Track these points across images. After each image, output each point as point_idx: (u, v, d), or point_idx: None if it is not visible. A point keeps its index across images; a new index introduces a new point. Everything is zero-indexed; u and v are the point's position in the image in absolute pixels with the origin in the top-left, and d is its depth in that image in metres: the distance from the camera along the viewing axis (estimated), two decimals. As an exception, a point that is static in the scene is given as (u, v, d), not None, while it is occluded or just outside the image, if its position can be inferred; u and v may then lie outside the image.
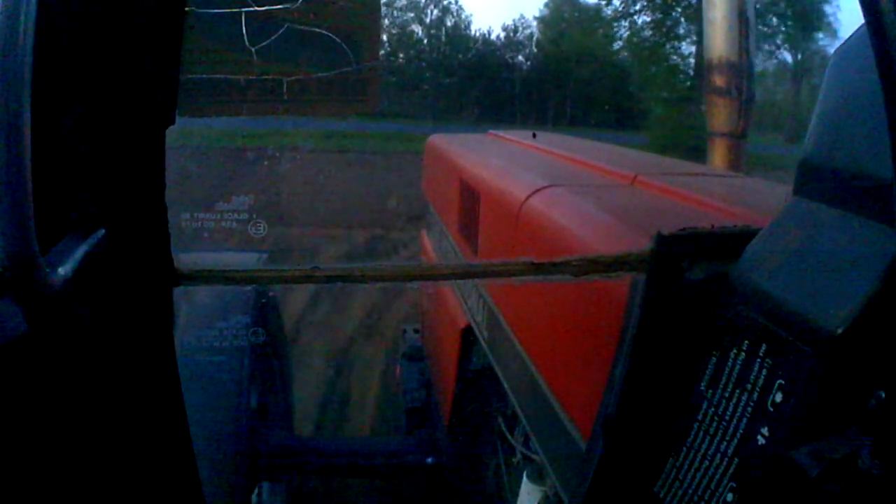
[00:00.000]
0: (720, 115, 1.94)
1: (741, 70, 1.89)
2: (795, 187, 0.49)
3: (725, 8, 1.86)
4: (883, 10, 0.33)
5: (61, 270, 0.39)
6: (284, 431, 1.69)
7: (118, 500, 0.50)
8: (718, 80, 1.92)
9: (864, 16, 0.34)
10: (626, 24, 10.25)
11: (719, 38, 1.89)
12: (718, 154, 1.96)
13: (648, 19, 10.21)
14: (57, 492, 0.44)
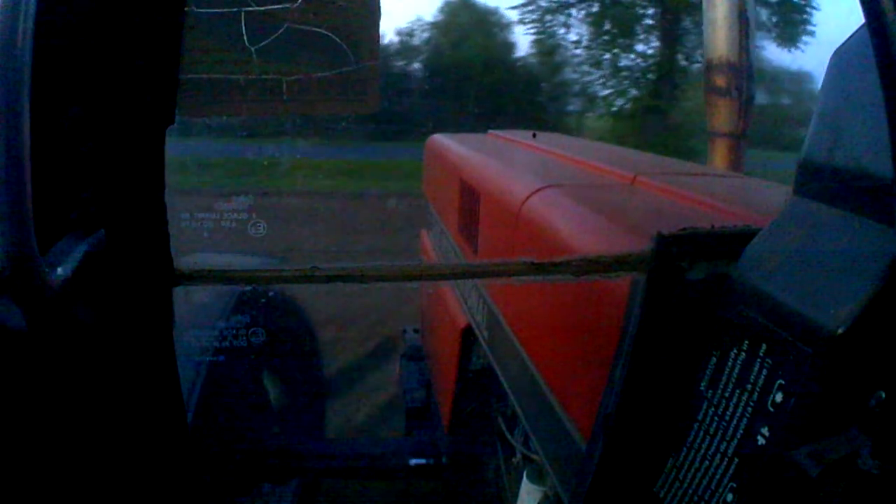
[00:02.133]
0: (720, 115, 1.94)
1: (741, 70, 1.89)
2: (795, 187, 0.49)
3: (725, 8, 1.87)
4: (883, 10, 0.33)
5: (60, 270, 0.39)
6: (283, 433, 1.69)
7: (117, 500, 0.50)
8: (718, 80, 1.92)
9: (865, 16, 0.34)
10: (563, 19, 8.38)
11: (719, 38, 1.89)
12: (718, 154, 1.96)
13: (595, 9, 8.33)
14: (56, 492, 0.44)
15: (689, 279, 0.49)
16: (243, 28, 0.49)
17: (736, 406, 0.46)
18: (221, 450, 1.31)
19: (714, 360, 0.48)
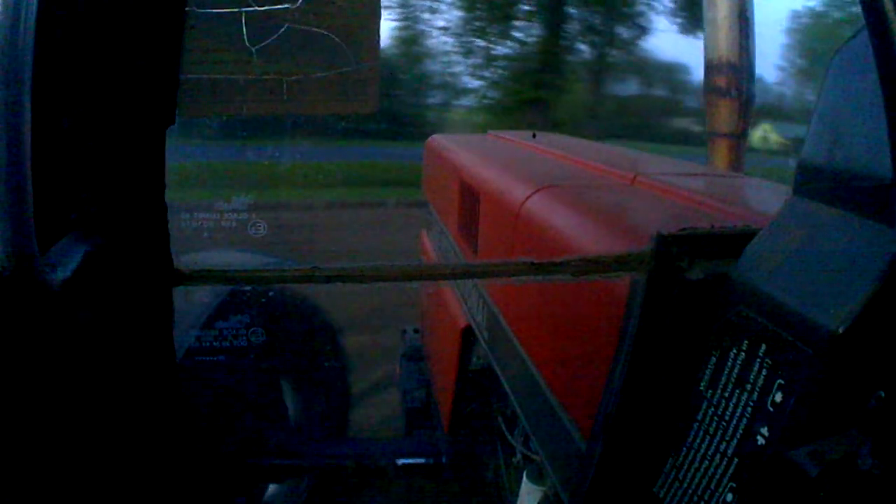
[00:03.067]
0: (720, 115, 1.94)
1: (741, 70, 1.89)
2: (795, 187, 0.49)
3: (726, 8, 1.86)
4: (883, 11, 0.33)
5: (60, 271, 0.39)
6: (283, 433, 1.69)
7: (118, 500, 0.50)
8: (719, 80, 1.91)
9: (865, 16, 0.34)
10: (429, 3, 7.19)
11: (720, 38, 1.89)
12: (719, 154, 1.96)
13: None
14: (57, 492, 0.44)
15: (688, 279, 0.49)
16: (243, 28, 0.49)
17: (736, 406, 0.46)
18: (222, 450, 1.31)
19: (714, 360, 0.48)
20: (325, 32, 0.51)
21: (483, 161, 1.29)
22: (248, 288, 1.25)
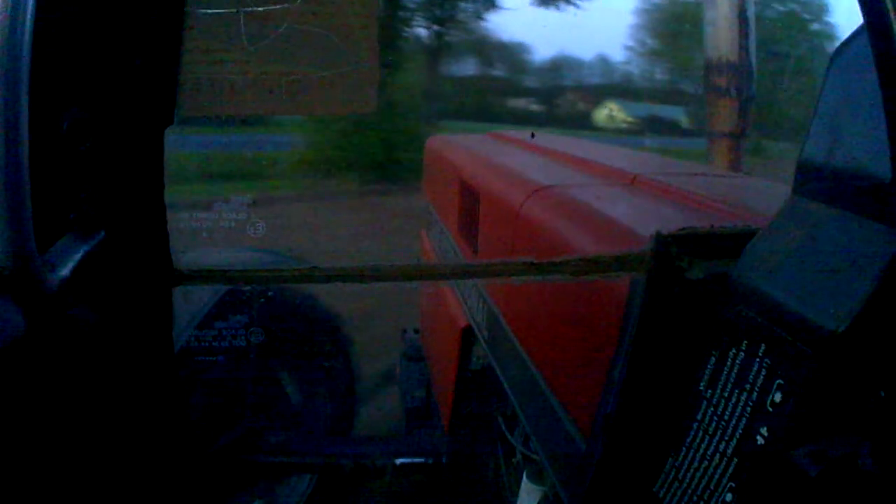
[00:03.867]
0: (720, 115, 1.94)
1: (741, 70, 1.89)
2: (795, 187, 0.49)
3: (725, 8, 1.87)
4: (883, 10, 0.33)
5: (59, 271, 0.39)
6: (283, 432, 1.69)
7: (118, 500, 0.50)
8: (718, 80, 1.92)
9: (864, 15, 0.34)
10: None
11: (719, 38, 1.89)
12: (719, 154, 1.96)
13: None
14: (57, 491, 0.44)
15: (688, 279, 0.49)
16: (242, 28, 0.49)
17: (735, 406, 0.46)
18: (222, 449, 1.31)
19: (713, 360, 0.48)
20: (325, 32, 0.51)
21: (483, 161, 1.29)
22: (247, 287, 1.25)
